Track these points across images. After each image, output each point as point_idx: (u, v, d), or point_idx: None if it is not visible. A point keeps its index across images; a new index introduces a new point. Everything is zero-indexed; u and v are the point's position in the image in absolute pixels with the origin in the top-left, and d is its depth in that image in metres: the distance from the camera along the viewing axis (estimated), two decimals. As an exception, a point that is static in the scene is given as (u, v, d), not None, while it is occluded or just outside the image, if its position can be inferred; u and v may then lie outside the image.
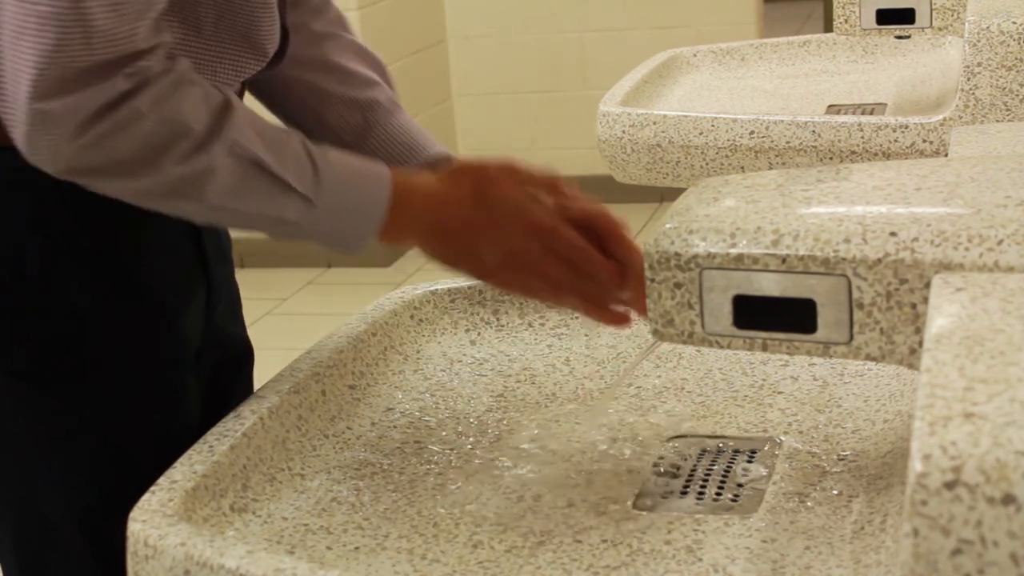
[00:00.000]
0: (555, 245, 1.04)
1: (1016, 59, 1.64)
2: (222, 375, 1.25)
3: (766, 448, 1.08)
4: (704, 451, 1.09)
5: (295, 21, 1.25)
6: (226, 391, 1.24)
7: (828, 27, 3.14)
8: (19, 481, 1.12)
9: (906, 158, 1.69)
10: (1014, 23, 1.65)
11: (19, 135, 0.95)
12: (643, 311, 0.97)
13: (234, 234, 1.23)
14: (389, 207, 1.03)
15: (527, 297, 1.13)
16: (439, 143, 1.27)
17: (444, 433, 1.16)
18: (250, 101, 1.24)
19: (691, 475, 1.05)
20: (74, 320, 1.08)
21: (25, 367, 1.09)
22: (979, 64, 1.66)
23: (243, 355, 1.31)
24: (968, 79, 1.66)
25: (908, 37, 2.12)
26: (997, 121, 1.66)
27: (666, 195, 4.31)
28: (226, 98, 1.00)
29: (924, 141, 1.70)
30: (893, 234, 0.86)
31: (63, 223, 1.07)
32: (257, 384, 1.18)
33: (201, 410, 1.18)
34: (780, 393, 1.19)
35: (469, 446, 1.13)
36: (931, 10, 1.99)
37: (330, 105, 1.25)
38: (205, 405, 1.19)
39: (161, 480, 1.00)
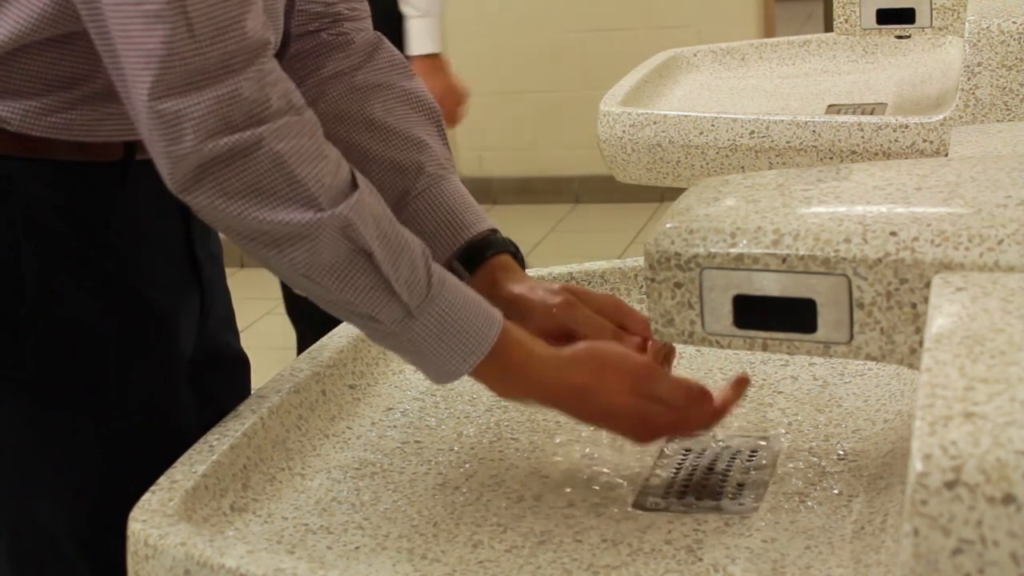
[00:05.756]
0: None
1: (1016, 59, 1.64)
2: (217, 384, 1.23)
3: (766, 448, 1.08)
4: (704, 451, 1.09)
5: (337, 68, 1.19)
6: (221, 400, 1.23)
7: (828, 27, 3.14)
8: (14, 491, 1.11)
9: (906, 158, 1.69)
10: (1014, 23, 1.65)
11: (146, 142, 0.94)
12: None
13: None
14: (493, 355, 1.01)
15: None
16: (487, 219, 1.18)
17: (444, 433, 1.16)
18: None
19: (691, 475, 1.05)
20: (71, 328, 1.08)
21: (20, 374, 1.08)
22: (979, 64, 1.66)
23: (238, 365, 1.29)
24: (968, 79, 1.66)
25: (908, 37, 2.12)
26: (997, 121, 1.66)
27: (666, 195, 4.31)
28: (356, 178, 0.98)
29: (924, 141, 1.70)
30: (893, 234, 0.86)
31: (58, 230, 1.06)
32: (257, 385, 1.18)
33: (197, 418, 1.17)
34: (780, 393, 1.18)
35: (469, 446, 1.13)
36: (931, 10, 1.99)
37: (370, 167, 1.15)
38: (200, 414, 1.18)
39: (161, 480, 1.00)
